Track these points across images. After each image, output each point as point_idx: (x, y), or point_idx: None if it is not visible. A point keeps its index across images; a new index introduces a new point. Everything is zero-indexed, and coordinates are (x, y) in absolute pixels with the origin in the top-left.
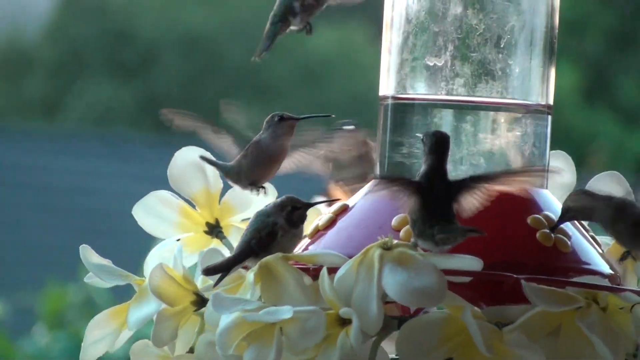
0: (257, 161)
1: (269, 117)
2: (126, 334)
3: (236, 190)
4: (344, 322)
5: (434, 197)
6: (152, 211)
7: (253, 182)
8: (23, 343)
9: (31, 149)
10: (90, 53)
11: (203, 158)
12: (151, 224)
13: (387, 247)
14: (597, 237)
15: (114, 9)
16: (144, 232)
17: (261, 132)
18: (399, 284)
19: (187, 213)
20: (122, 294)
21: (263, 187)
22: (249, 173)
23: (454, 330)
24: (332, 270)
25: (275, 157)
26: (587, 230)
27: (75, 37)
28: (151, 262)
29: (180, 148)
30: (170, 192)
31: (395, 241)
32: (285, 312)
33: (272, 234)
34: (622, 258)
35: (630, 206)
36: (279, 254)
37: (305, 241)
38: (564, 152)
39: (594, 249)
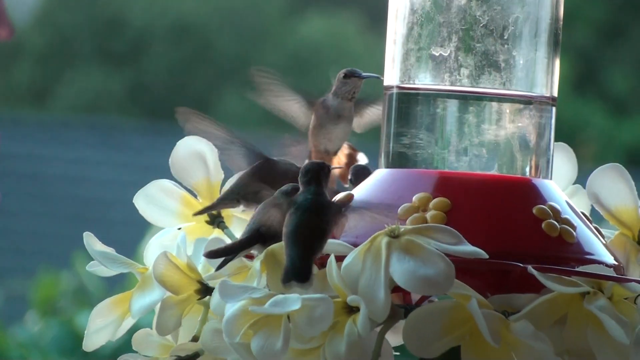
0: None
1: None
2: (129, 323)
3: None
4: (351, 310)
5: None
6: (153, 200)
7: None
8: (15, 331)
9: (20, 137)
10: (80, 40)
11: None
12: (152, 213)
13: (394, 235)
14: (601, 229)
15: None
16: (134, 220)
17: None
18: (407, 272)
19: (188, 202)
20: (115, 282)
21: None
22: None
23: (461, 318)
24: (337, 259)
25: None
26: (590, 221)
27: (64, 24)
28: (151, 250)
29: (169, 136)
30: (171, 181)
31: (402, 228)
32: (294, 302)
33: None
34: None
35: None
36: None
37: None
38: (565, 144)
39: (598, 239)
